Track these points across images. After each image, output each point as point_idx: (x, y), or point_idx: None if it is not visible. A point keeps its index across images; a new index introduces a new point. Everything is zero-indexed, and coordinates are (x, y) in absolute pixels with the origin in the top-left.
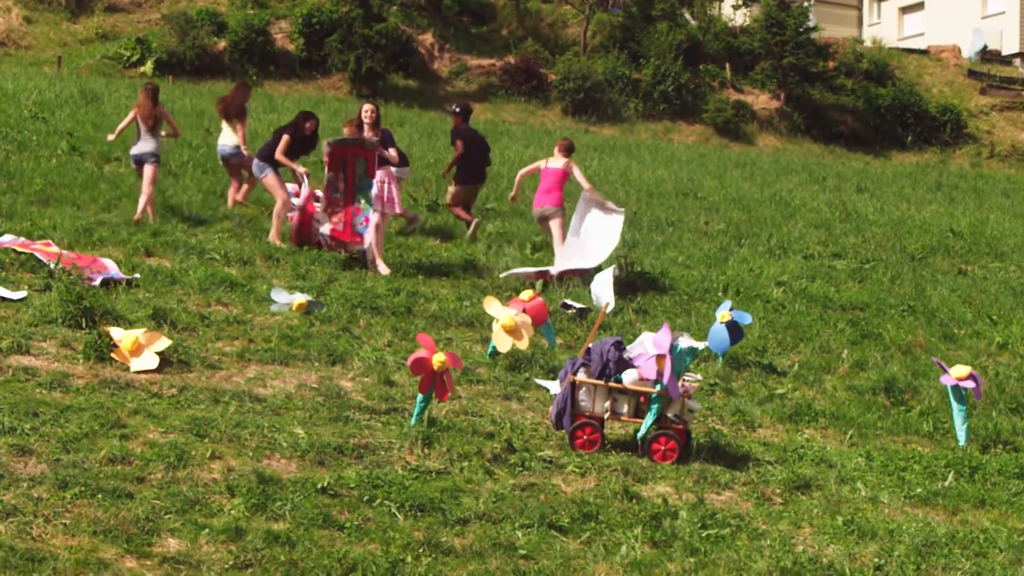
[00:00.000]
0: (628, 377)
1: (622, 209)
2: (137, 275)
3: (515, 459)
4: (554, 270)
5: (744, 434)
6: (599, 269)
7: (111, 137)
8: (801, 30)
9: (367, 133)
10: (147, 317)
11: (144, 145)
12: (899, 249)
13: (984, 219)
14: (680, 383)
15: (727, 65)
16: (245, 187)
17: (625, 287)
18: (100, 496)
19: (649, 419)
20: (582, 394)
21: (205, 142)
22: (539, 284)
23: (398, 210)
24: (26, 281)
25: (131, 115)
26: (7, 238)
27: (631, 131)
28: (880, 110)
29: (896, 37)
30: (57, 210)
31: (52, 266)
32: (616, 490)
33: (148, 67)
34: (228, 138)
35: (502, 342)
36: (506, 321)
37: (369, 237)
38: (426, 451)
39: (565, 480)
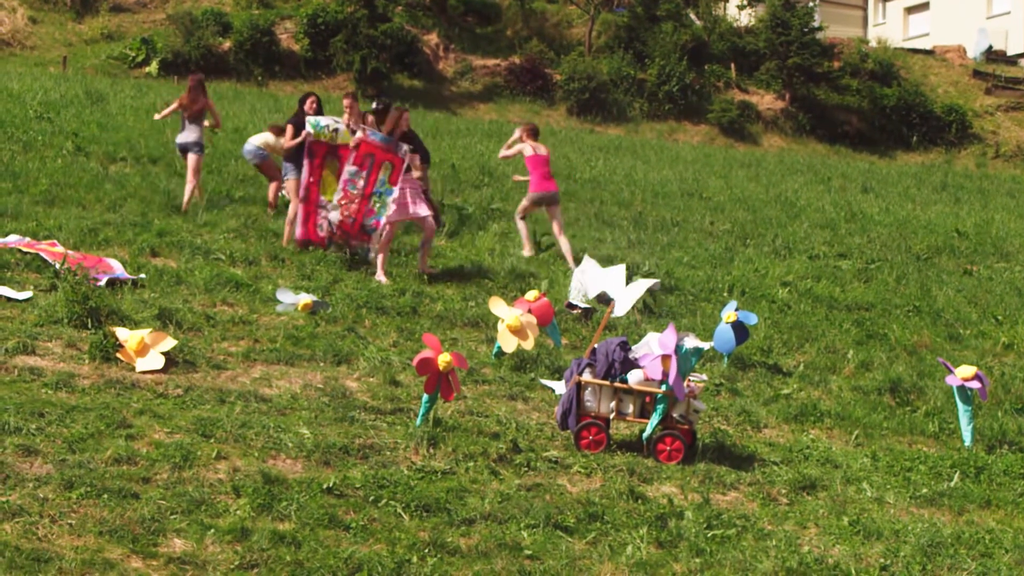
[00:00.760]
0: (634, 377)
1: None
2: (143, 275)
3: (520, 459)
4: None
5: (750, 434)
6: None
7: (157, 117)
8: (806, 30)
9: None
10: (152, 317)
11: (188, 134)
12: (904, 249)
13: (989, 219)
14: (686, 383)
15: (732, 65)
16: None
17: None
18: (106, 496)
19: (654, 419)
20: (588, 394)
21: (210, 142)
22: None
23: (410, 215)
24: (32, 281)
25: (175, 104)
26: (13, 238)
27: (636, 131)
28: (885, 110)
29: (901, 37)
30: (62, 210)
31: (57, 266)
32: (622, 490)
33: (153, 67)
34: (255, 139)
35: (507, 342)
36: (511, 321)
37: (376, 243)
38: (431, 451)
39: (571, 480)
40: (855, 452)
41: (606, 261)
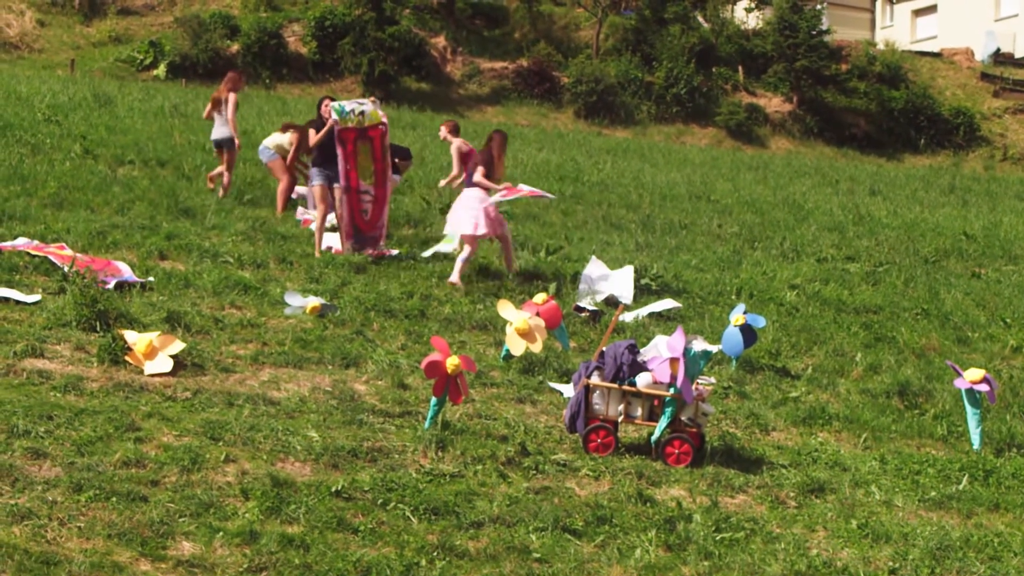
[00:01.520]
0: (642, 380)
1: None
2: (151, 278)
3: (529, 462)
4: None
5: (758, 437)
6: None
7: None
8: (814, 33)
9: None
10: (161, 320)
11: (222, 130)
12: (912, 252)
13: (997, 222)
14: (694, 386)
15: (740, 68)
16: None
17: (639, 291)
18: (115, 499)
19: (663, 422)
20: (596, 397)
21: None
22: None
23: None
24: (40, 284)
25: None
26: (21, 241)
27: (644, 134)
28: (893, 113)
29: (909, 40)
30: (71, 213)
31: (66, 269)
32: (630, 493)
33: (161, 70)
34: (268, 140)
35: (516, 345)
36: (520, 324)
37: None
38: (440, 454)
39: (579, 483)
40: (863, 455)
41: (614, 263)
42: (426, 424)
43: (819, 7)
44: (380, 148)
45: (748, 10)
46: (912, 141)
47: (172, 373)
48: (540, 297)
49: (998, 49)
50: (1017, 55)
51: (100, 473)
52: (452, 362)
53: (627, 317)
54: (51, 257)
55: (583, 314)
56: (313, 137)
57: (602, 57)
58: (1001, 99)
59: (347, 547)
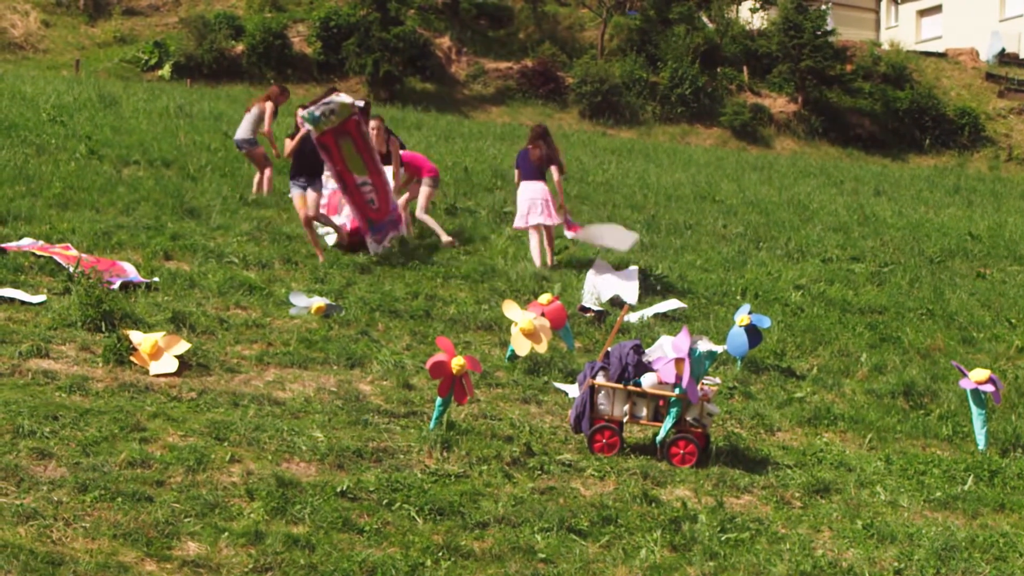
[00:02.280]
0: (647, 381)
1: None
2: (156, 279)
3: (534, 463)
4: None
5: (763, 438)
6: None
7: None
8: (819, 33)
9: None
10: (166, 320)
11: (240, 130)
12: (917, 252)
13: (1002, 222)
14: (699, 387)
15: (744, 68)
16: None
17: (644, 291)
18: (120, 499)
19: (668, 423)
20: (601, 398)
21: (223, 145)
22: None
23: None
24: (45, 285)
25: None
26: (26, 241)
27: (648, 134)
28: (898, 113)
29: (914, 40)
30: (76, 213)
31: (71, 270)
32: (635, 494)
33: (166, 70)
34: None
35: (521, 345)
36: (525, 324)
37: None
38: (445, 455)
39: (584, 484)
40: (869, 455)
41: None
42: (431, 424)
43: (824, 7)
44: (359, 137)
45: (753, 10)
46: (917, 141)
47: (177, 373)
48: (545, 297)
49: (1003, 49)
50: (1022, 55)
51: (105, 473)
52: (457, 362)
53: (632, 317)
54: (56, 257)
55: (588, 314)
56: (288, 145)
57: (607, 57)
58: (1006, 99)
59: (352, 547)
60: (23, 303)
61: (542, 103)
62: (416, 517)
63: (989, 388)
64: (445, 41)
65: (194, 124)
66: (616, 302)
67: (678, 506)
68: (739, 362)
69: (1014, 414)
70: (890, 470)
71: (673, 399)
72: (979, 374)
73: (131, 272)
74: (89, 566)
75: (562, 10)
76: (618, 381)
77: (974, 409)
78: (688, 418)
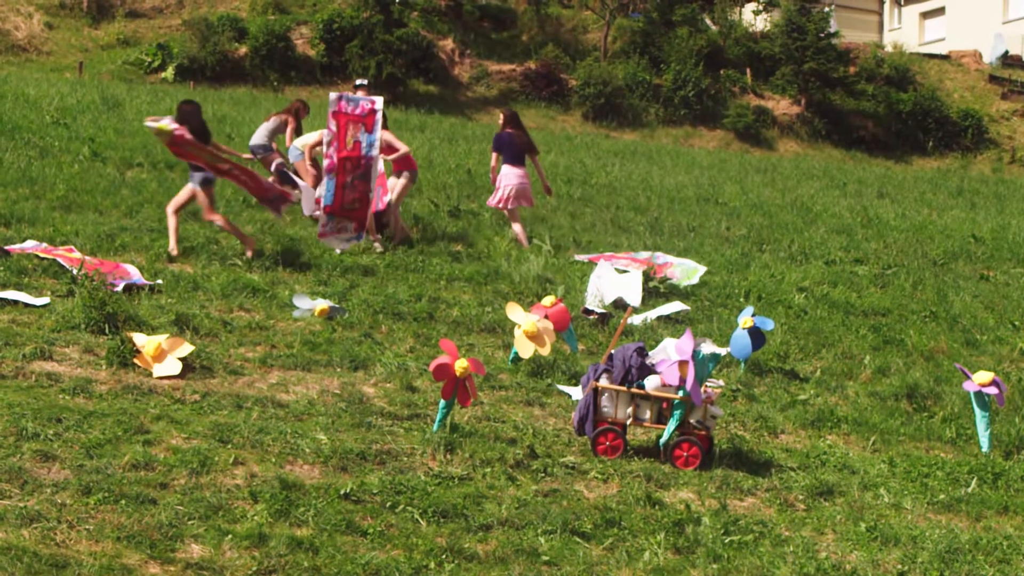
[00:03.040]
0: (650, 383)
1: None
2: (159, 281)
3: (537, 465)
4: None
5: (766, 440)
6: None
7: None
8: (822, 35)
9: None
10: (170, 323)
11: (255, 137)
12: (921, 255)
13: (1006, 224)
14: (703, 389)
15: (748, 70)
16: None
17: (647, 293)
18: (124, 502)
19: (671, 425)
20: (604, 400)
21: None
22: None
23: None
24: (49, 287)
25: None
26: (30, 244)
27: (652, 136)
28: (901, 115)
29: (917, 42)
30: (79, 216)
31: (75, 272)
32: (639, 496)
33: (169, 73)
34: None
35: (524, 348)
36: (528, 327)
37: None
38: (448, 457)
39: (588, 486)
40: (872, 458)
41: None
42: (435, 427)
43: (827, 10)
44: (188, 141)
45: (756, 12)
46: (920, 143)
47: (181, 376)
48: (548, 300)
49: (1006, 52)
50: None
51: (109, 476)
52: (461, 365)
53: (636, 320)
54: (60, 260)
55: (591, 317)
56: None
57: (610, 60)
58: (1009, 101)
59: (356, 550)
60: (27, 305)
61: (545, 105)
62: (420, 519)
63: (993, 390)
64: (448, 43)
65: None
66: (619, 304)
67: (682, 508)
68: (742, 364)
69: (1018, 416)
70: (894, 473)
71: (677, 401)
72: (983, 376)
73: (134, 274)
74: (93, 568)
75: (565, 12)
76: (622, 383)
77: (978, 411)
78: (692, 420)
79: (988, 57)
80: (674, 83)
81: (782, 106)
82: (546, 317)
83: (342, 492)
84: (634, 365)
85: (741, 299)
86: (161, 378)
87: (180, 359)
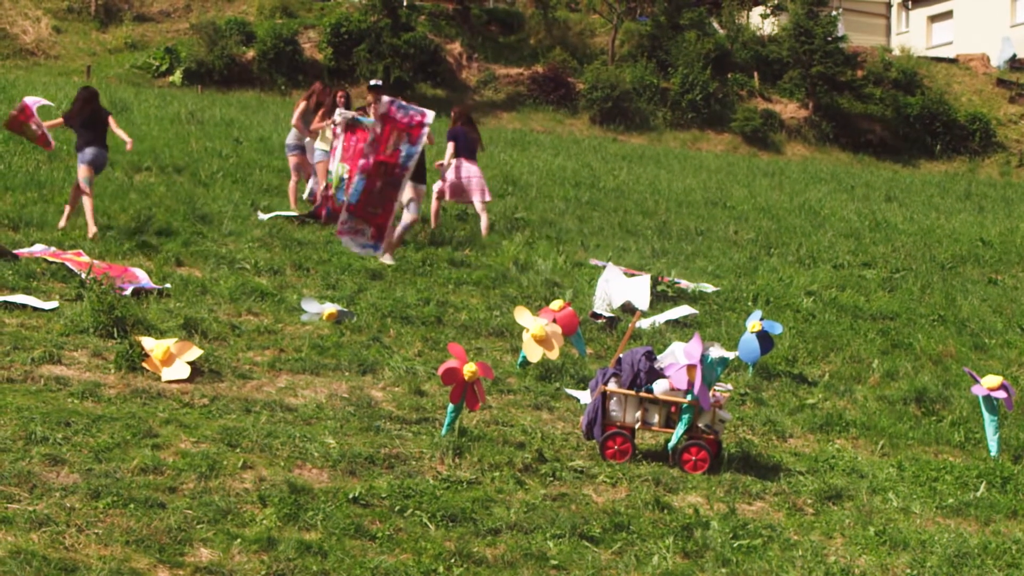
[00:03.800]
0: (659, 387)
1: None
2: (168, 285)
3: (546, 469)
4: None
5: (775, 444)
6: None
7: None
8: (829, 39)
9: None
10: (178, 327)
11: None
12: (929, 258)
13: (1014, 228)
14: (711, 393)
15: (755, 74)
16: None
17: (655, 297)
18: (132, 506)
19: (680, 429)
20: (613, 404)
21: (235, 152)
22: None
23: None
24: (57, 291)
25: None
26: (38, 248)
27: (659, 140)
28: (909, 119)
29: (925, 46)
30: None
31: (83, 276)
32: (647, 500)
33: (177, 76)
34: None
35: (532, 352)
36: (536, 331)
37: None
38: (457, 461)
39: (596, 490)
40: (881, 462)
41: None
42: (443, 431)
43: (834, 13)
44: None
45: (764, 16)
46: (928, 147)
47: (189, 380)
48: (557, 304)
49: (1014, 55)
50: None
51: (118, 480)
52: (469, 369)
53: (644, 324)
54: (68, 264)
55: (600, 320)
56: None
57: (617, 63)
58: (1017, 105)
59: (365, 554)
60: (35, 309)
61: (553, 109)
62: (428, 523)
63: (1001, 394)
64: (456, 47)
65: (205, 130)
66: (628, 308)
67: (690, 512)
68: (751, 368)
69: None
70: (902, 476)
71: (685, 405)
72: (991, 380)
73: (143, 278)
74: (102, 572)
75: (573, 16)
76: (630, 387)
77: (986, 415)
78: (700, 424)
79: (996, 60)
80: (681, 87)
81: (790, 110)
82: (554, 321)
83: (351, 496)
84: (643, 369)
85: (749, 303)
86: (170, 382)
87: (189, 363)
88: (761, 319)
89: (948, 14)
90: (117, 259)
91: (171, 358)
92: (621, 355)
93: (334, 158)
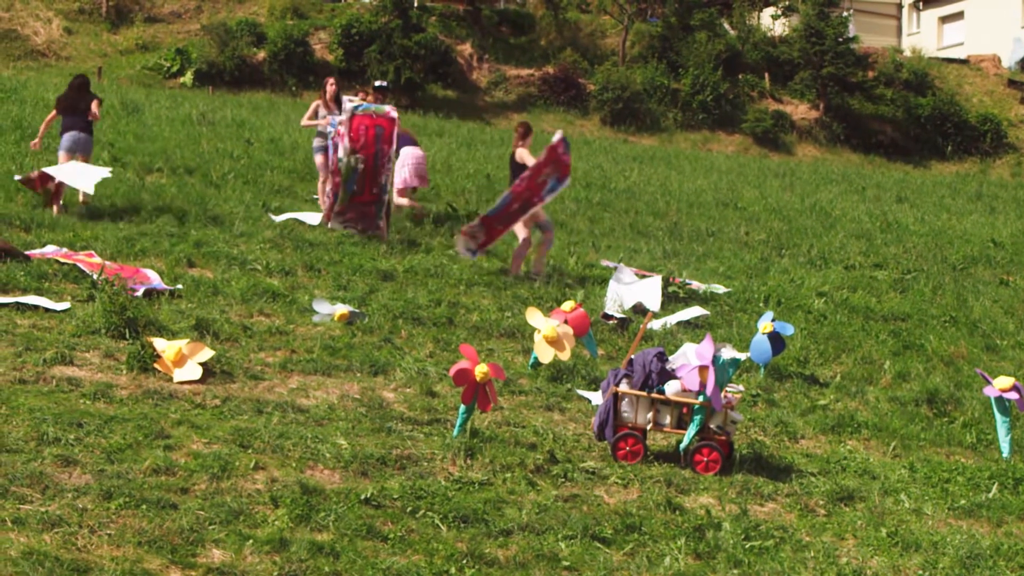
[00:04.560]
0: (671, 388)
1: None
2: (179, 286)
3: (558, 470)
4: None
5: (787, 445)
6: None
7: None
8: (840, 40)
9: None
10: (190, 328)
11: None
12: (940, 259)
13: None
14: (723, 394)
15: (766, 75)
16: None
17: (667, 298)
18: (144, 507)
19: (692, 430)
20: (624, 405)
21: (246, 153)
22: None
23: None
24: (69, 292)
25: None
26: (50, 249)
27: (670, 141)
28: (920, 120)
29: (935, 47)
30: (99, 221)
31: (95, 277)
32: (659, 501)
33: (188, 77)
34: None
35: (544, 353)
36: (548, 332)
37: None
38: (469, 462)
39: (608, 491)
40: (893, 463)
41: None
42: (455, 432)
43: (845, 14)
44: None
45: (774, 17)
46: (939, 148)
47: (201, 380)
48: (568, 305)
49: None
50: None
51: (130, 480)
52: (481, 370)
53: (655, 325)
54: (80, 265)
55: (611, 322)
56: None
57: (628, 64)
58: None
59: (377, 555)
60: (47, 310)
61: (563, 110)
62: (440, 524)
63: (1013, 396)
64: (467, 48)
65: (216, 131)
66: (639, 309)
67: (702, 514)
68: (762, 369)
69: None
70: (914, 478)
71: (697, 406)
72: (1003, 382)
73: (154, 279)
74: (114, 573)
75: (583, 17)
76: (641, 388)
77: (998, 417)
78: (712, 425)
79: (1007, 61)
80: (692, 88)
81: (800, 110)
82: (566, 322)
83: (362, 497)
84: (654, 370)
85: (761, 304)
86: (181, 383)
87: (200, 364)
88: (773, 320)
89: (959, 15)
90: (129, 260)
91: (183, 359)
92: (633, 356)
93: (341, 147)
